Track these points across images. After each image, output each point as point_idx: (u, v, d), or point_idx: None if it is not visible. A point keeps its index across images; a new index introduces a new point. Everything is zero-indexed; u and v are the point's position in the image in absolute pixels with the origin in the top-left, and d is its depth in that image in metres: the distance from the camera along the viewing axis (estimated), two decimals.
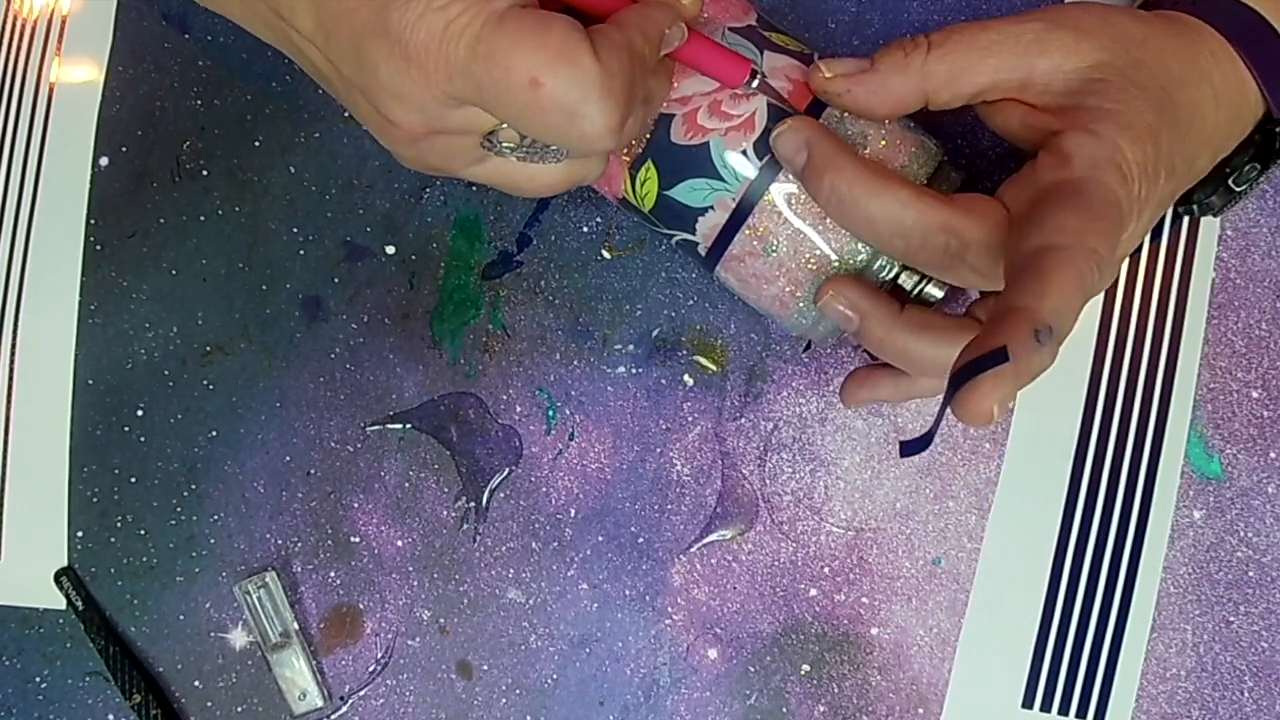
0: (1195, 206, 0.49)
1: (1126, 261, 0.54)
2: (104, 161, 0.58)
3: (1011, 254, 0.38)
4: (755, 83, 0.43)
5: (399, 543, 0.56)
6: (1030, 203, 0.39)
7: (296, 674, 0.55)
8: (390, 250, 0.57)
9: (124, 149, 0.58)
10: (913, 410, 0.55)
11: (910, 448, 0.37)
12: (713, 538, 0.56)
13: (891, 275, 0.44)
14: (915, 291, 0.45)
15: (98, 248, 0.57)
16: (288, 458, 0.57)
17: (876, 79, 0.43)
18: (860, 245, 0.44)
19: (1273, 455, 0.54)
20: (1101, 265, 0.36)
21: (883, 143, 0.44)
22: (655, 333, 0.56)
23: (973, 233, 0.40)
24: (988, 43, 0.42)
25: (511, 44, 0.37)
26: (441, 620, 0.56)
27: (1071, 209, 0.38)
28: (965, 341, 0.41)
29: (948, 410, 0.35)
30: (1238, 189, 0.46)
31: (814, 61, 0.44)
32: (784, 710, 0.55)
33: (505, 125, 0.40)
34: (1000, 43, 0.42)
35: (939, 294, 0.45)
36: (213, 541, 0.57)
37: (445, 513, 0.56)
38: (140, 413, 0.57)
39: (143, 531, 0.57)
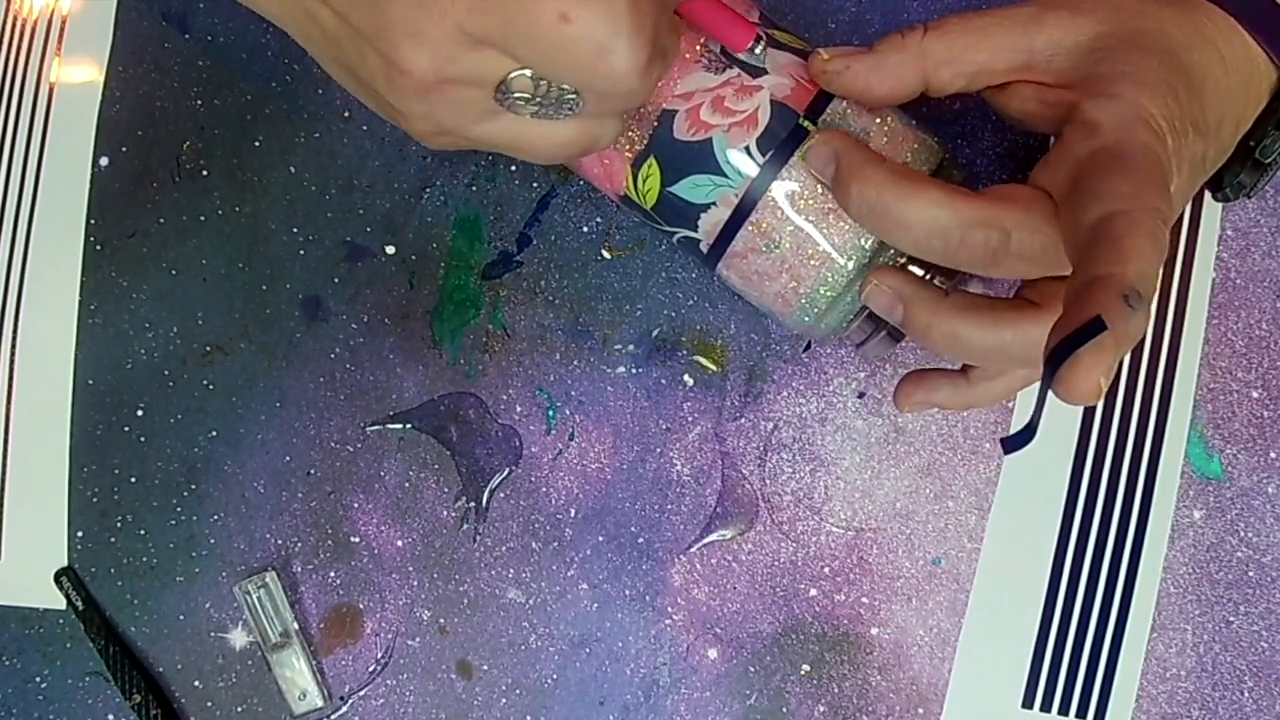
0: (1228, 190, 0.49)
1: None
2: (104, 161, 0.58)
3: (1071, 231, 0.37)
4: (759, 48, 0.42)
5: (399, 543, 0.56)
6: (1071, 178, 0.39)
7: (296, 674, 0.55)
8: (390, 250, 0.57)
9: (124, 149, 0.58)
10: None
11: (1013, 443, 0.36)
12: (713, 538, 0.56)
13: None
14: None
15: (98, 248, 0.57)
16: (288, 458, 0.57)
17: (874, 57, 0.43)
18: (864, 241, 0.44)
19: (1273, 455, 0.54)
20: (1166, 221, 0.36)
21: (885, 140, 0.44)
22: (655, 333, 0.56)
23: (1011, 220, 0.39)
24: (985, 25, 0.43)
25: None
26: (441, 620, 0.56)
27: (1120, 173, 0.37)
28: (1018, 323, 0.41)
29: (1049, 396, 0.34)
30: (1265, 161, 0.46)
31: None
32: (784, 710, 0.55)
33: (519, 74, 0.39)
34: (997, 24, 0.43)
35: None
36: (213, 541, 0.57)
37: (445, 513, 0.56)
38: (140, 413, 0.57)
39: (143, 531, 0.57)
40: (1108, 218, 0.35)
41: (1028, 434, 0.35)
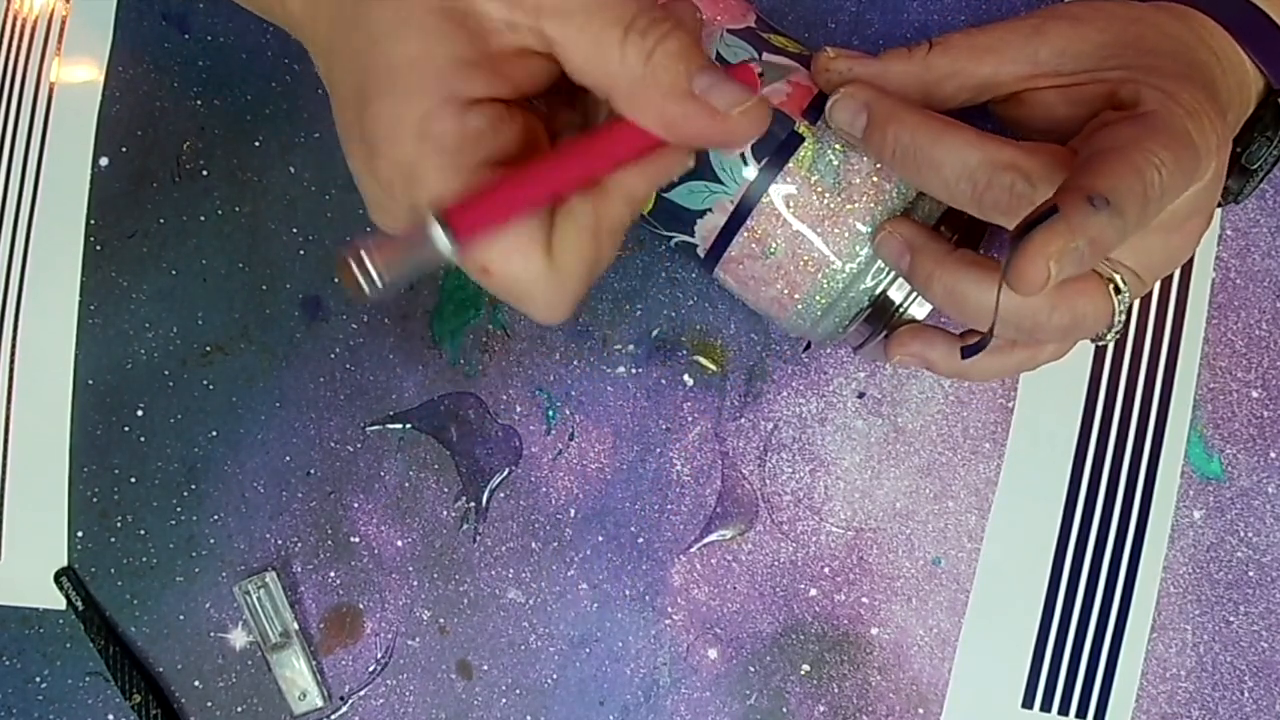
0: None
1: None
2: (104, 161, 0.58)
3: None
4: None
5: (399, 543, 0.56)
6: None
7: (296, 674, 0.55)
8: None
9: (124, 149, 0.58)
10: (913, 410, 0.55)
11: (969, 351, 0.41)
12: (713, 538, 0.56)
13: (883, 286, 0.44)
14: (903, 305, 0.45)
15: (98, 248, 0.57)
16: (288, 458, 0.57)
17: (879, 64, 0.44)
18: (858, 248, 0.43)
19: (1273, 455, 0.54)
20: (1162, 169, 0.36)
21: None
22: (655, 333, 0.56)
23: (1038, 170, 0.39)
24: (988, 41, 0.44)
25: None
26: (441, 620, 0.56)
27: (1133, 123, 0.38)
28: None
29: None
30: (1252, 167, 0.46)
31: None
32: (784, 710, 0.55)
33: None
34: (1001, 39, 0.43)
35: (921, 313, 0.45)
36: (213, 541, 0.57)
37: (445, 513, 0.56)
38: (140, 413, 0.57)
39: (143, 531, 0.57)
40: (1102, 150, 0.37)
41: (985, 342, 0.40)
